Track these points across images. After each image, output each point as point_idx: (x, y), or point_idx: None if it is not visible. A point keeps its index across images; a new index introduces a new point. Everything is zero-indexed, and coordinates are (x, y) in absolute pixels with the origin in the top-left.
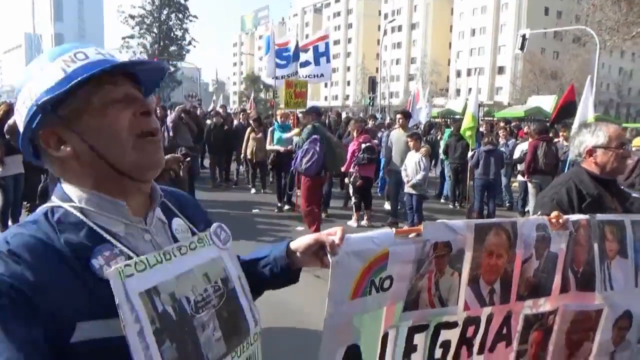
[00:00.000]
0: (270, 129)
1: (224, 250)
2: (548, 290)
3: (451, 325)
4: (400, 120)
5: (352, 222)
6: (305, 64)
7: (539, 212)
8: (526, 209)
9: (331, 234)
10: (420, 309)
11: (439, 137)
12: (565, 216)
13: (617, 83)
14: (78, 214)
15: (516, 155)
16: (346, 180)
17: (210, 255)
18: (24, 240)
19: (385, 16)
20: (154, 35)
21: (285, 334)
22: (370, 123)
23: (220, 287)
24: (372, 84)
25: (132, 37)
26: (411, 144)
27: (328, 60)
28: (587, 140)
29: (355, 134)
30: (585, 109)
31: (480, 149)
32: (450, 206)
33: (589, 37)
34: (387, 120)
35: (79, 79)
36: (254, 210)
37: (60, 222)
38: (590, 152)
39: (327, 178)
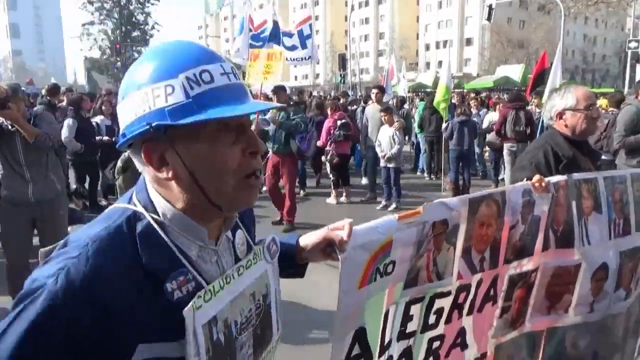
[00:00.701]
0: None
1: (270, 264)
2: (531, 250)
3: (445, 294)
4: (377, 96)
5: (332, 200)
6: (292, 48)
7: (523, 177)
8: (500, 177)
9: (338, 228)
10: (419, 285)
11: (412, 111)
12: (547, 179)
13: (582, 50)
14: (161, 233)
15: (485, 125)
16: (322, 158)
17: (260, 271)
18: (106, 251)
19: None
20: (114, 20)
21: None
22: (342, 100)
23: (260, 305)
24: (342, 61)
25: (92, 23)
26: (385, 118)
27: (313, 42)
28: (557, 104)
29: (329, 111)
30: (555, 76)
31: (453, 120)
32: (426, 178)
33: (554, 5)
34: (358, 96)
35: (213, 117)
36: None
37: (143, 237)
38: (560, 114)
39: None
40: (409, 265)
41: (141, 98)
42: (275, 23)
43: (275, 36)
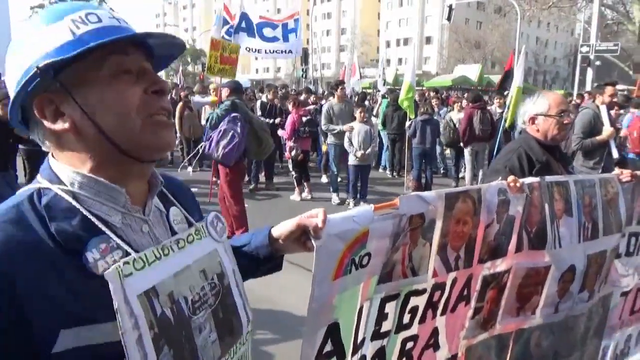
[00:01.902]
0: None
1: (220, 243)
2: (505, 251)
3: (420, 292)
4: (341, 92)
5: (295, 196)
6: (273, 39)
7: (499, 178)
8: (460, 175)
9: (312, 216)
10: (394, 280)
11: (375, 108)
12: (521, 180)
13: (534, 52)
14: (70, 199)
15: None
16: (286, 154)
17: (207, 248)
18: (2, 238)
19: None
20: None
21: (264, 325)
22: (304, 96)
23: (216, 284)
24: (305, 56)
25: (41, 7)
26: (360, 115)
27: (298, 37)
28: (529, 109)
29: (291, 107)
30: (517, 77)
31: (417, 119)
32: (389, 175)
33: (510, 7)
34: (320, 92)
35: (93, 43)
36: (193, 190)
37: (49, 208)
38: (533, 119)
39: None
40: (384, 258)
41: (23, 49)
42: (244, 15)
43: (249, 28)
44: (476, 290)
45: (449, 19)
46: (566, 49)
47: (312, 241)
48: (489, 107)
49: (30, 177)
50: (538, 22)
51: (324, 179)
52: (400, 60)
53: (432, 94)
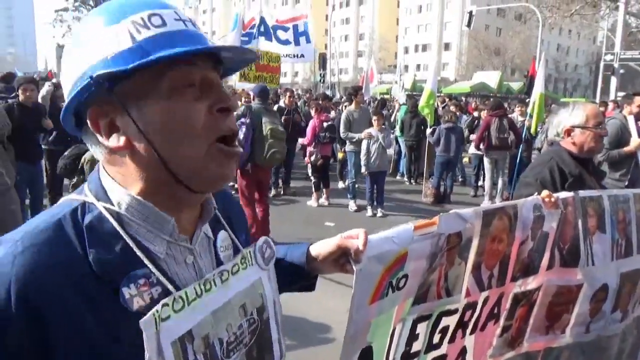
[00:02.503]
0: None
1: (265, 271)
2: (537, 268)
3: (452, 312)
4: (359, 98)
5: (312, 202)
6: (286, 42)
7: (528, 193)
8: (479, 184)
9: (352, 237)
10: (429, 301)
11: (393, 115)
12: (555, 194)
13: (555, 59)
14: (114, 223)
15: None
16: (306, 159)
17: (251, 278)
18: (35, 262)
19: None
20: (89, 8)
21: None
22: (321, 102)
23: (255, 320)
24: (323, 61)
25: (65, 10)
26: (377, 122)
27: (308, 40)
28: (565, 120)
29: (313, 112)
30: (538, 84)
31: (441, 127)
32: (407, 183)
33: (532, 14)
34: (337, 97)
35: (155, 57)
36: None
37: (91, 229)
38: (569, 131)
39: (265, 172)
40: (421, 280)
41: (81, 55)
42: (263, 19)
43: (266, 32)
44: (506, 308)
45: (469, 25)
46: (588, 57)
47: (352, 265)
48: (510, 115)
49: (52, 180)
50: (559, 29)
51: (341, 185)
52: (418, 67)
53: (451, 100)
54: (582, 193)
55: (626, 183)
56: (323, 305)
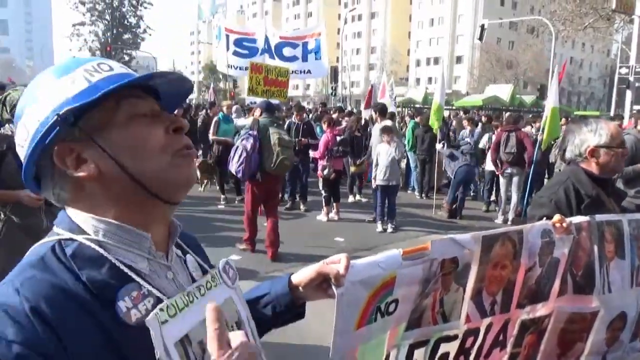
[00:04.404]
0: (215, 119)
1: (233, 290)
2: (546, 295)
3: (451, 338)
4: (376, 115)
5: (322, 217)
6: (292, 59)
7: (541, 214)
8: (492, 199)
9: (335, 262)
10: (423, 326)
11: (402, 128)
12: (568, 219)
13: (568, 72)
14: (97, 248)
15: (481, 145)
16: (318, 173)
17: (223, 296)
18: (41, 288)
19: (345, 5)
20: (106, 22)
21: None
22: (336, 114)
23: None
24: (334, 74)
25: (82, 24)
26: (386, 137)
27: (318, 57)
28: (589, 139)
29: (325, 126)
30: (551, 98)
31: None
32: (418, 197)
33: (544, 28)
34: (348, 109)
35: (112, 86)
36: (219, 206)
37: (76, 257)
38: (592, 151)
39: (275, 181)
40: (413, 305)
41: (38, 108)
42: (267, 38)
43: (269, 50)
44: (513, 335)
45: (480, 38)
46: (602, 70)
47: (333, 289)
48: (524, 129)
49: None
50: (572, 42)
51: (351, 199)
52: (430, 80)
53: (462, 114)
54: (599, 217)
55: None
56: (323, 319)
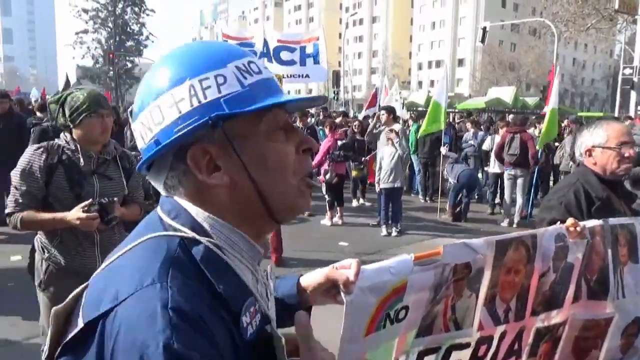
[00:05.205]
0: None
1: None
2: (561, 301)
3: (464, 346)
4: (384, 117)
5: (326, 221)
6: (289, 62)
7: (551, 217)
8: (496, 201)
9: (345, 267)
10: (434, 333)
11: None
12: (582, 223)
13: (571, 73)
14: (223, 256)
15: (485, 147)
16: (320, 178)
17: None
18: (197, 295)
19: (347, 9)
20: (109, 30)
21: None
22: (339, 119)
23: None
24: (336, 78)
25: (85, 32)
26: (389, 139)
27: (316, 62)
28: (586, 140)
29: (327, 130)
30: (552, 99)
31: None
32: (422, 200)
33: (547, 29)
34: (351, 114)
35: (280, 101)
36: None
37: (208, 265)
38: (589, 151)
39: None
40: (424, 311)
41: (182, 93)
42: (266, 41)
43: (268, 53)
44: (528, 344)
45: (482, 41)
46: (605, 71)
47: (342, 295)
48: (529, 131)
49: None
50: (575, 43)
51: (355, 204)
52: (432, 83)
53: (467, 117)
54: (612, 221)
55: None
56: (325, 325)
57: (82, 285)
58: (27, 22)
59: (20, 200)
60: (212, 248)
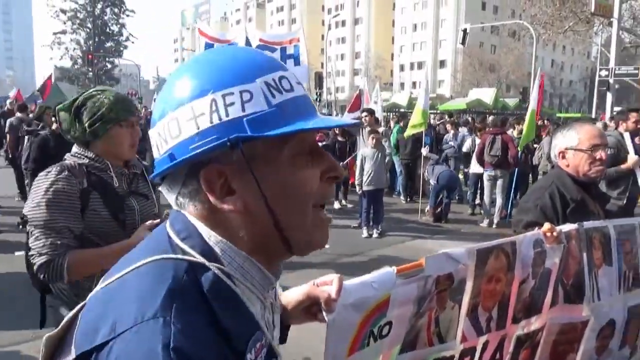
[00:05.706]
0: None
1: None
2: (540, 307)
3: (447, 359)
4: (368, 119)
5: None
6: None
7: (527, 220)
8: (477, 202)
9: (327, 283)
10: (418, 348)
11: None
12: (558, 227)
13: (550, 75)
14: (233, 286)
15: (465, 148)
16: None
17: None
18: (201, 333)
19: (329, 11)
20: (87, 30)
21: None
22: None
23: None
24: (319, 80)
25: (64, 32)
26: (372, 141)
27: (297, 63)
28: (559, 142)
29: None
30: (532, 101)
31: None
32: (403, 201)
33: (526, 31)
34: (334, 115)
35: (301, 128)
36: None
37: (217, 297)
38: (562, 153)
39: None
40: (407, 326)
41: (203, 107)
42: (247, 40)
43: None
44: (509, 352)
45: (463, 42)
46: (582, 72)
47: (324, 314)
48: (509, 132)
49: None
50: (553, 45)
51: (336, 205)
52: (414, 84)
53: (446, 117)
54: (587, 224)
55: (624, 201)
56: (321, 334)
57: (79, 306)
58: (3, 22)
59: (59, 242)
60: (222, 277)
